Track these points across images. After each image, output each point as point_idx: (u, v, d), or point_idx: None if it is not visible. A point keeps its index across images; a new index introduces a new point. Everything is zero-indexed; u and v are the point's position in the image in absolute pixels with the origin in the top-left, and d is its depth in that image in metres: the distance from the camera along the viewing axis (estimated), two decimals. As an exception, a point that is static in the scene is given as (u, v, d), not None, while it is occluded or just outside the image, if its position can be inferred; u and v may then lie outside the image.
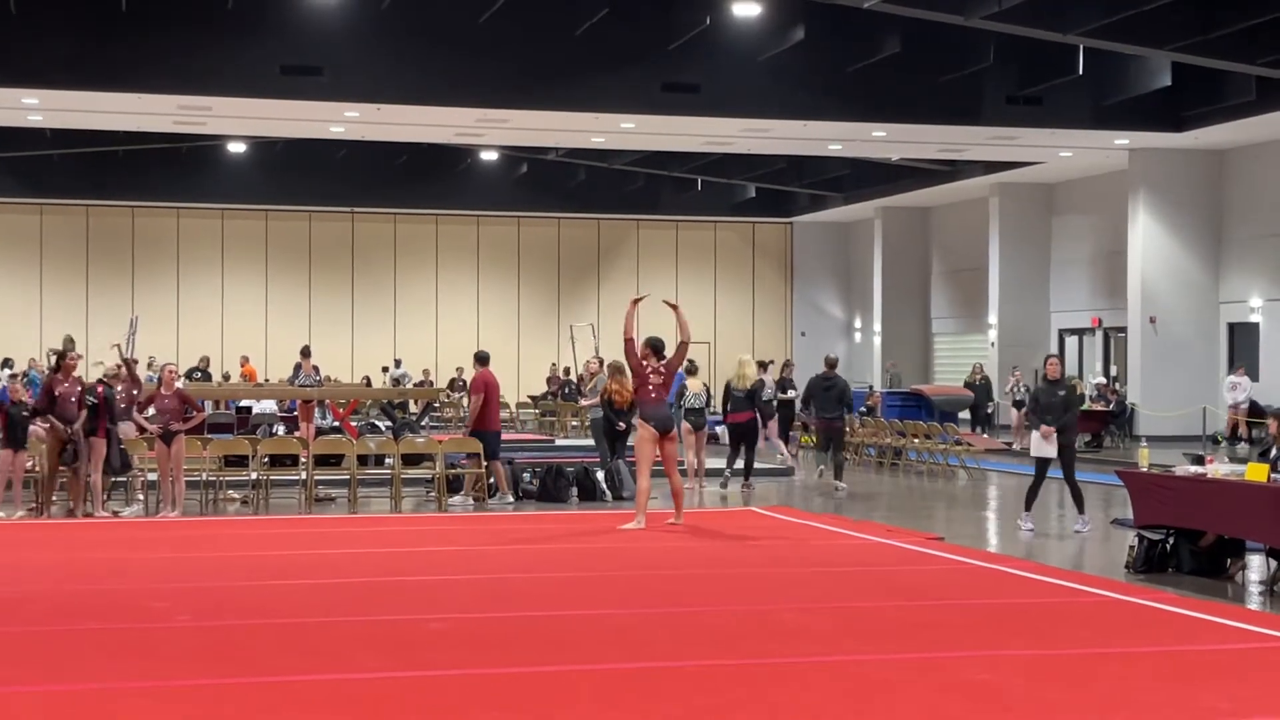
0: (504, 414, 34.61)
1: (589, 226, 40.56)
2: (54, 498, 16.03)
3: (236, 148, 34.38)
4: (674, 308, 15.58)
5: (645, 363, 14.69)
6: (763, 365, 22.60)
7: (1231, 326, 29.29)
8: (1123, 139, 27.85)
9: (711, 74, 24.71)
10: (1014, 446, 27.01)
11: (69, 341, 19.82)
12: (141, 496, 16.92)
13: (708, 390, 20.17)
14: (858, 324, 41.67)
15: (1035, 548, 13.91)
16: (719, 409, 21.82)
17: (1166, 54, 22.72)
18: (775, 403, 21.91)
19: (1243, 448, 25.59)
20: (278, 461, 17.76)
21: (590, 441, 21.55)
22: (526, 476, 18.12)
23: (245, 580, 11.16)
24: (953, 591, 10.80)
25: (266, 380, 32.34)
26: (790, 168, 34.81)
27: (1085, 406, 25.48)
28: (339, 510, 16.86)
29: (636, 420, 14.87)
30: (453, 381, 34.60)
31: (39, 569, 11.86)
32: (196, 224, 38.46)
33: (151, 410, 16.29)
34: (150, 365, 29.93)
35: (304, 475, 17.29)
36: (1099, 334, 32.85)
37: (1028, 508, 14.86)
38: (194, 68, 23.20)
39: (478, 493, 17.39)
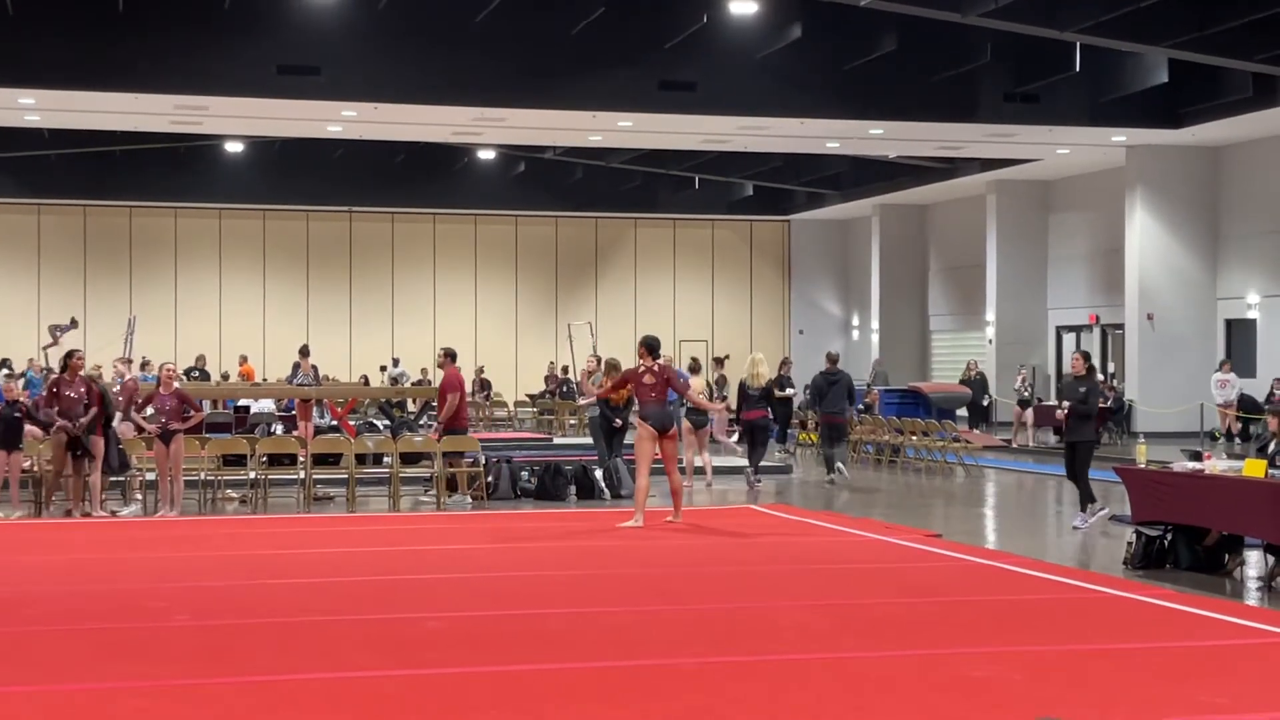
0: (502, 413, 35.00)
1: (586, 225, 40.56)
2: (53, 497, 16.03)
3: (234, 147, 34.36)
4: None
5: (640, 362, 14.72)
6: (786, 362, 22.99)
7: (1229, 323, 29.30)
8: (1120, 136, 27.86)
9: (709, 72, 24.72)
10: (1013, 444, 27.04)
11: (72, 322, 20.08)
12: (140, 496, 16.92)
13: (711, 388, 20.20)
14: (855, 321, 41.68)
15: (1034, 545, 13.92)
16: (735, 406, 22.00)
17: (1163, 51, 22.72)
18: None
19: (1237, 443, 25.60)
20: (276, 461, 17.76)
21: (588, 440, 21.56)
22: (525, 475, 18.13)
23: (243, 579, 11.16)
24: (951, 588, 10.80)
25: (264, 379, 32.33)
26: (788, 166, 34.80)
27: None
28: (337, 509, 16.87)
29: (635, 419, 14.89)
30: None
31: (37, 569, 11.86)
32: (194, 224, 38.45)
33: (150, 410, 16.28)
34: (145, 366, 29.91)
35: (302, 474, 17.31)
36: (1096, 331, 32.85)
37: (1091, 500, 14.92)
38: (191, 67, 23.20)
39: (476, 492, 17.40)
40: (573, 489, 18.00)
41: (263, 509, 16.68)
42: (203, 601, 9.94)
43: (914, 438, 23.70)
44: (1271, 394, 26.41)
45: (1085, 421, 14.88)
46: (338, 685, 7.44)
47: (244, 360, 33.19)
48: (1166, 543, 11.96)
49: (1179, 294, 29.30)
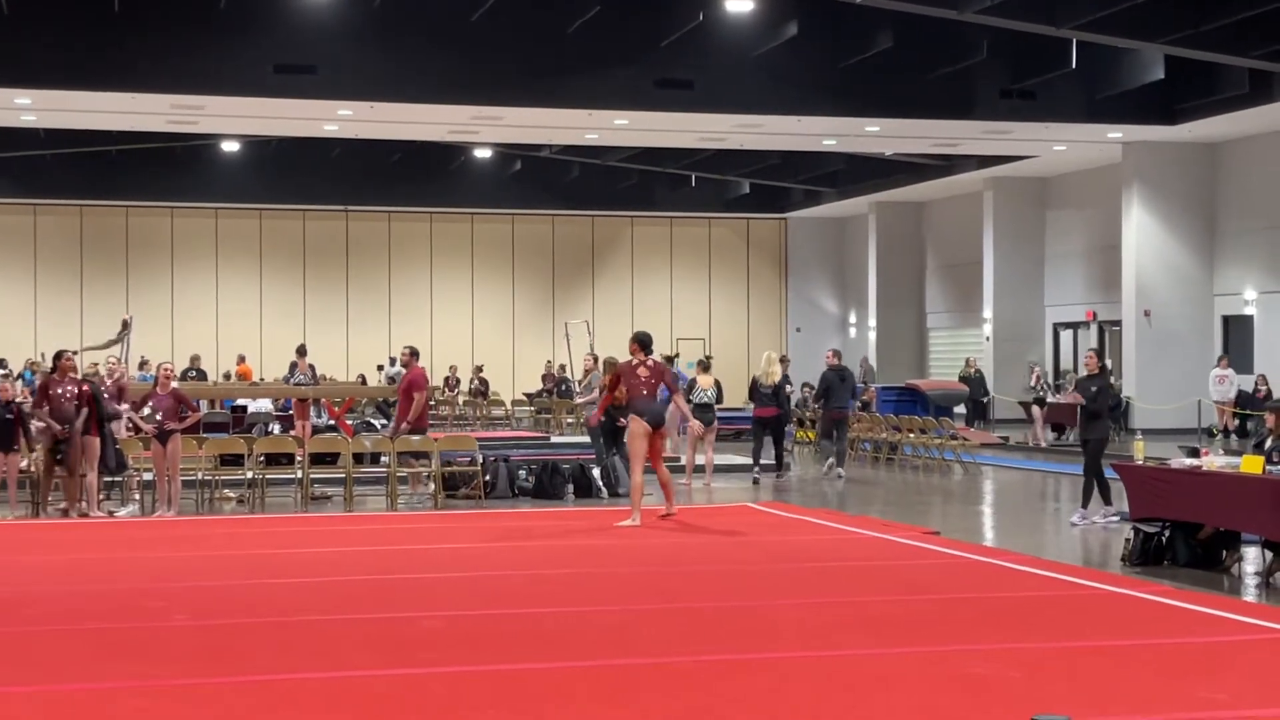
0: (500, 411, 34.98)
1: (583, 223, 40.55)
2: (49, 498, 16.02)
3: (230, 147, 34.33)
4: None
5: (633, 358, 14.72)
6: (783, 360, 23.21)
7: (1226, 319, 29.31)
8: (1116, 132, 27.85)
9: (705, 70, 24.70)
10: (1031, 443, 26.92)
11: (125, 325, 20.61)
12: (137, 496, 16.92)
13: (718, 386, 20.23)
14: (853, 319, 41.67)
15: (1032, 542, 13.93)
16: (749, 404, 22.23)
17: (1159, 47, 22.71)
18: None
19: (1234, 440, 25.61)
20: (273, 460, 17.74)
21: (586, 438, 21.55)
22: (522, 474, 18.12)
23: (241, 579, 11.16)
24: (949, 585, 10.81)
25: (261, 379, 32.31)
26: (784, 163, 34.78)
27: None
28: (335, 508, 16.86)
29: (629, 414, 14.87)
30: (447, 379, 34.61)
31: (36, 569, 11.85)
32: (190, 223, 38.42)
33: (147, 410, 16.27)
34: (143, 365, 29.91)
35: (300, 474, 17.30)
36: (1093, 327, 32.86)
37: (1106, 501, 14.91)
38: (187, 67, 23.16)
39: (474, 491, 17.39)
40: (570, 488, 17.99)
41: (260, 509, 16.68)
42: (201, 601, 9.93)
43: (911, 435, 23.71)
44: (1256, 390, 26.43)
45: (1096, 419, 14.92)
46: (336, 684, 7.45)
47: (241, 360, 33.18)
48: (1164, 539, 11.97)
49: (1176, 290, 29.30)
